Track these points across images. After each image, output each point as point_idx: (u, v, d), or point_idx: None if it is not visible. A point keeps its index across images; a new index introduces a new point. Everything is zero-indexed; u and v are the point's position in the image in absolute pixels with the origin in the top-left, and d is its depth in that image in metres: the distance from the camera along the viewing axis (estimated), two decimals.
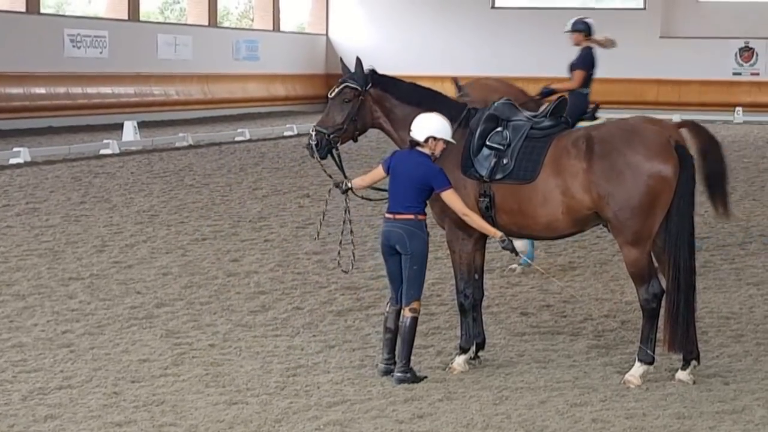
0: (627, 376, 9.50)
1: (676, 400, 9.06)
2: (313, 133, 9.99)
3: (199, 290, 12.87)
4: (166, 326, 11.22)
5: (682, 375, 9.57)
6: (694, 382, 9.48)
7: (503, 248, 9.54)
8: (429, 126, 9.52)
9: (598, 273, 14.22)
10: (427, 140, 9.50)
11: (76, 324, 11.23)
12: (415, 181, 9.42)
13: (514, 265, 14.06)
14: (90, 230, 16.79)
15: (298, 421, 8.43)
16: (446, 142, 9.55)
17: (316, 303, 12.31)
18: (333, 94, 10.09)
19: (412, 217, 9.43)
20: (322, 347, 10.51)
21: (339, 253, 10.29)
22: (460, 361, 9.88)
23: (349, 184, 9.82)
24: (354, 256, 10.38)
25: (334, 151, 10.02)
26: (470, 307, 9.98)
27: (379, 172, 9.74)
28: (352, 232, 10.24)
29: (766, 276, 14.13)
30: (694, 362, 9.63)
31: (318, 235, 10.54)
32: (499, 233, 9.49)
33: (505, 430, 8.33)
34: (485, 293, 10.37)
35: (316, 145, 9.96)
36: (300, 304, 12.23)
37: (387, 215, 9.56)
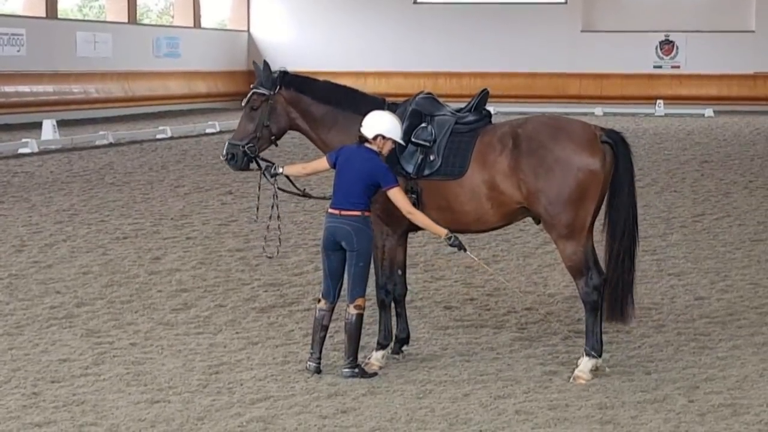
0: (576, 372, 9.41)
1: (599, 390, 9.11)
2: (228, 147, 9.92)
3: (120, 289, 12.74)
4: (86, 325, 11.09)
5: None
6: (594, 377, 9.43)
7: (450, 245, 9.47)
8: (379, 124, 9.46)
9: (522, 266, 14.27)
10: (375, 138, 9.45)
11: None
12: (363, 177, 9.33)
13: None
14: (9, 230, 16.57)
15: (220, 419, 8.36)
16: (395, 142, 9.51)
17: (239, 300, 12.24)
18: (244, 103, 10.03)
19: (358, 213, 9.34)
20: (245, 344, 10.45)
21: (265, 238, 10.20)
22: (378, 356, 9.82)
23: (280, 170, 9.76)
24: (280, 242, 10.28)
25: (257, 158, 9.90)
26: (390, 302, 9.94)
27: (321, 163, 9.63)
28: (279, 217, 10.16)
29: (687, 267, 14.26)
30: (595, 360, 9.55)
31: (257, 218, 10.32)
32: (444, 231, 9.43)
33: (429, 423, 8.32)
34: (408, 288, 10.36)
35: (232, 159, 9.89)
36: (222, 302, 12.15)
37: (331, 210, 9.42)
